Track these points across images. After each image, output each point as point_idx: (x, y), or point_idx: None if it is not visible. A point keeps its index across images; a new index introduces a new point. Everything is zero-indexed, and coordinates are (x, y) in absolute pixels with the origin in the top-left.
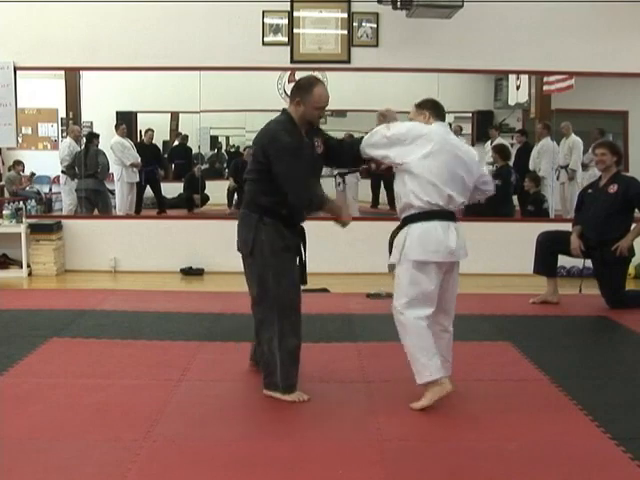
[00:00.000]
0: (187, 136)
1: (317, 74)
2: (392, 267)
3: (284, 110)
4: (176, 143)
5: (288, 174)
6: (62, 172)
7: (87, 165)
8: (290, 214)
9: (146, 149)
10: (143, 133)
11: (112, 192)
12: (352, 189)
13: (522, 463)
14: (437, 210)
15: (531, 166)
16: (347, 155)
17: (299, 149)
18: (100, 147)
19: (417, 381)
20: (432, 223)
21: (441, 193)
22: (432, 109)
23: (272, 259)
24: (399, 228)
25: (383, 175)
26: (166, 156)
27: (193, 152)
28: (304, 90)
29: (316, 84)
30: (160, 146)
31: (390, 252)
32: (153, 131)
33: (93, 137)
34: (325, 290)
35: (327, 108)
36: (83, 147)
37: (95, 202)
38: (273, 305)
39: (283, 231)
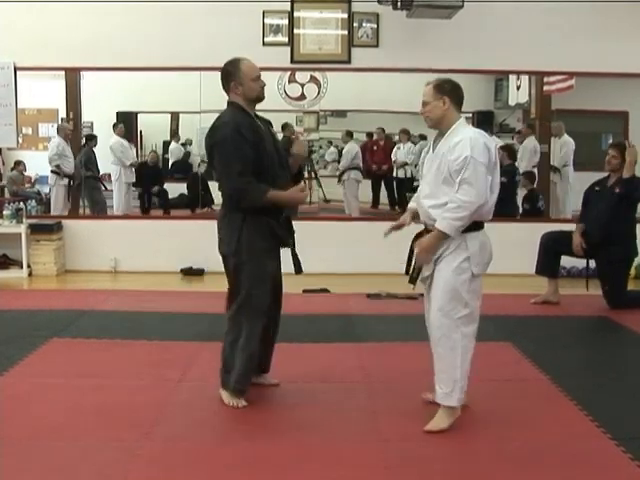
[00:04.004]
0: (189, 153)
1: (317, 74)
2: (424, 279)
3: (228, 103)
4: (178, 159)
5: (220, 164)
6: (51, 172)
7: None
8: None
9: (149, 170)
10: (147, 154)
11: (97, 189)
12: (352, 189)
13: (522, 463)
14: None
15: (518, 166)
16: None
17: (237, 138)
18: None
19: (444, 401)
20: (483, 232)
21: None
22: (453, 95)
23: (249, 262)
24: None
25: (385, 175)
26: (170, 167)
27: (193, 153)
28: (233, 71)
29: (240, 60)
30: (160, 147)
31: (411, 259)
32: (157, 152)
33: (87, 138)
34: (325, 290)
35: (327, 108)
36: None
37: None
38: (244, 307)
39: (265, 230)
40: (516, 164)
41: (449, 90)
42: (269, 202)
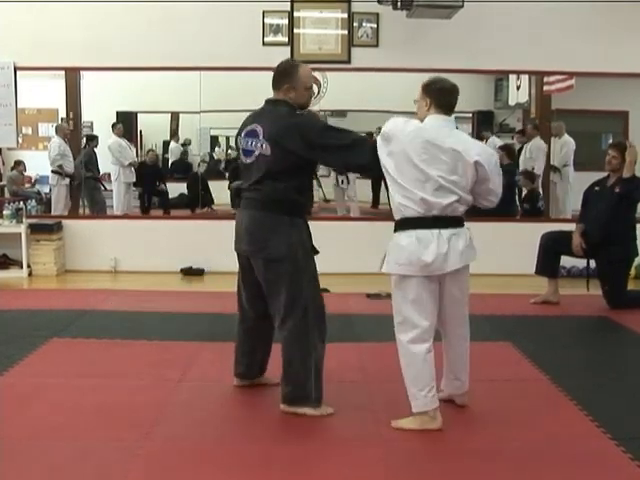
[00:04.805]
0: (187, 152)
1: (317, 74)
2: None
3: (279, 101)
4: (177, 158)
5: (345, 141)
6: (52, 172)
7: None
8: (309, 211)
9: (149, 169)
10: (145, 153)
11: (97, 189)
12: (353, 188)
13: (522, 463)
14: (415, 217)
15: (522, 167)
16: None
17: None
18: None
19: (411, 407)
20: (407, 233)
21: (413, 197)
22: (436, 97)
23: (305, 263)
24: None
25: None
26: (169, 166)
27: (193, 153)
28: (291, 73)
29: (299, 65)
30: (160, 146)
31: None
32: (155, 152)
33: (88, 139)
34: (325, 290)
35: (327, 108)
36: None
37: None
38: (307, 313)
39: (304, 230)
40: (522, 165)
41: (432, 91)
42: None
